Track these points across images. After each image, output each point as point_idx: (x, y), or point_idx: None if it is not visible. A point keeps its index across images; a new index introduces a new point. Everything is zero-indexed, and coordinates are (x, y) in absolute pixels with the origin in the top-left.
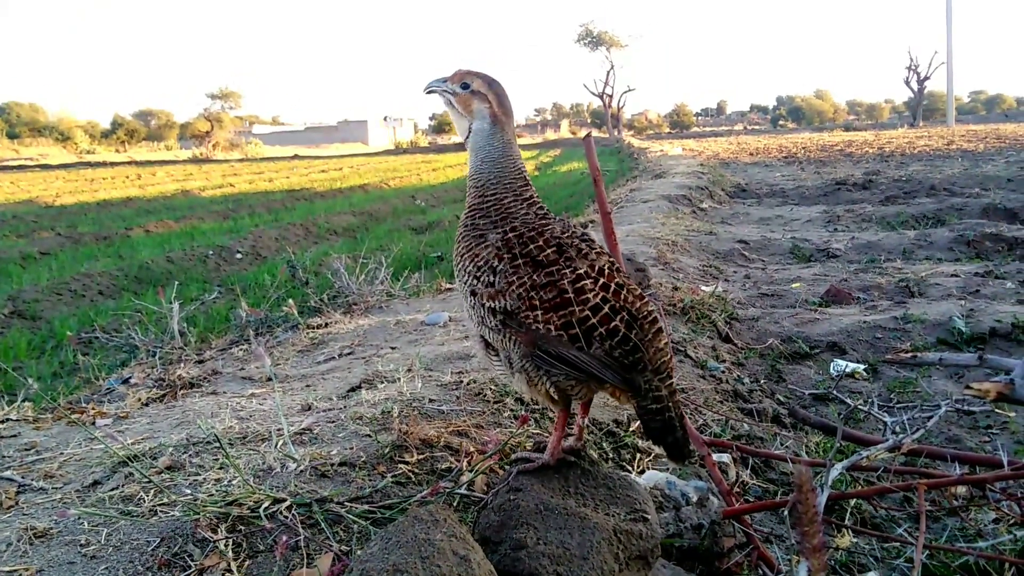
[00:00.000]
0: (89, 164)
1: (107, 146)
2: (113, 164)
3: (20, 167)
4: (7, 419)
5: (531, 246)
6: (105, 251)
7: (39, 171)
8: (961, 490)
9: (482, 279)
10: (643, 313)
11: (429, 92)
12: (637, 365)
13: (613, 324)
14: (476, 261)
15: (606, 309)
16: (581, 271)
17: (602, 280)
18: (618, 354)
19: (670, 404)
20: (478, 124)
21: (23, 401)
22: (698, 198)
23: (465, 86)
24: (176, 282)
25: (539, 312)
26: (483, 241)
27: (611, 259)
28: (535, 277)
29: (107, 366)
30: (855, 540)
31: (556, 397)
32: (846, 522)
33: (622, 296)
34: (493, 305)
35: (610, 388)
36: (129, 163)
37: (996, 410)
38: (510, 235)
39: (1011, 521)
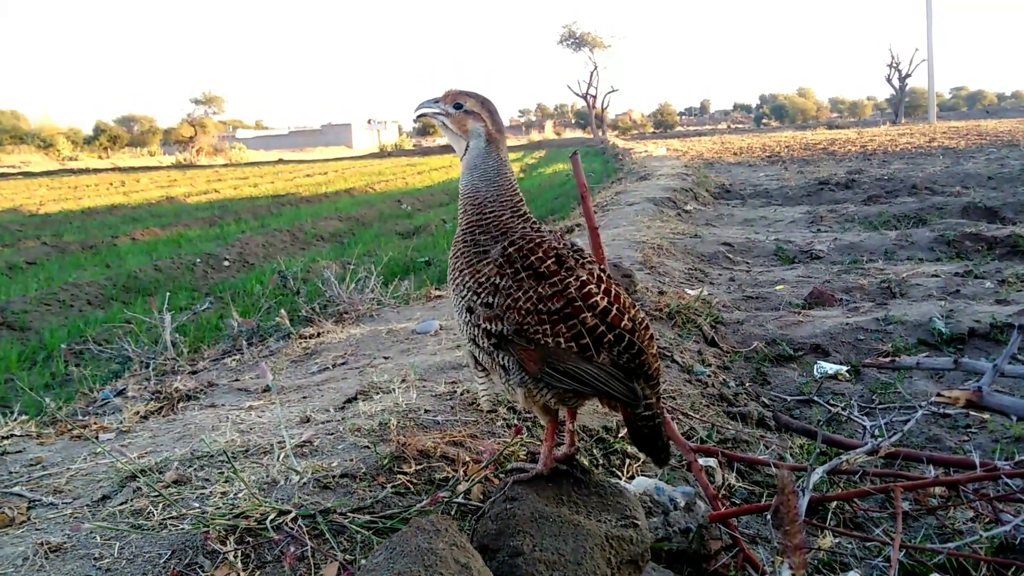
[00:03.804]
0: (72, 171)
1: (90, 152)
2: (96, 171)
3: (2, 175)
4: (11, 435)
5: (532, 258)
6: (92, 260)
7: (22, 179)
8: (938, 491)
9: (482, 298)
10: (639, 319)
11: (420, 114)
12: (640, 369)
13: (620, 329)
14: (477, 277)
15: (614, 311)
16: (584, 278)
17: (604, 286)
18: (624, 360)
19: (657, 411)
20: (474, 143)
21: (19, 415)
22: (683, 200)
23: (458, 106)
24: (166, 292)
25: (548, 326)
26: (485, 257)
27: (603, 268)
28: (540, 289)
29: (99, 377)
30: (836, 540)
31: (553, 407)
32: (828, 523)
33: (622, 301)
34: (489, 328)
35: (606, 399)
36: (112, 169)
37: (972, 412)
38: (510, 249)
39: (986, 520)
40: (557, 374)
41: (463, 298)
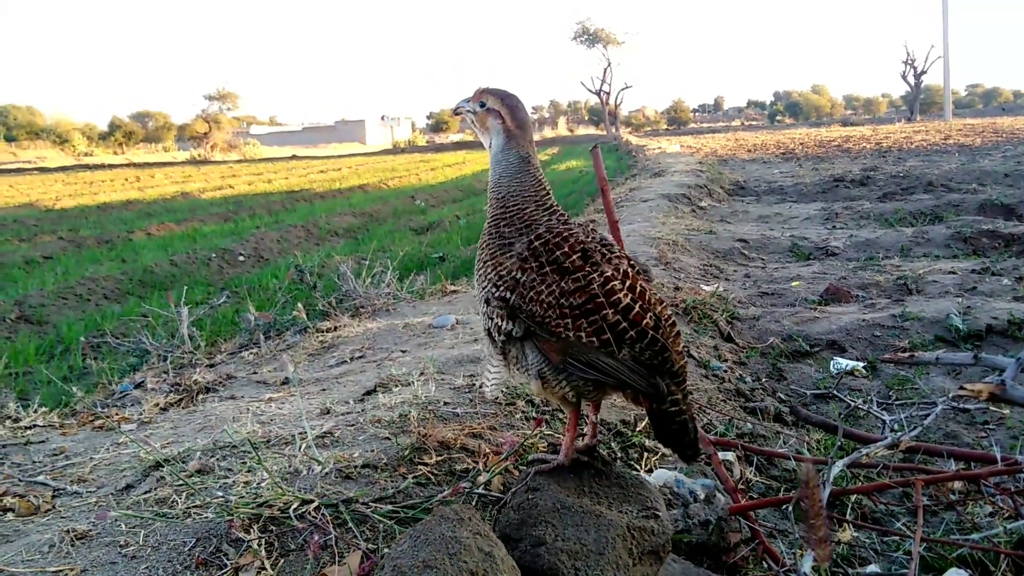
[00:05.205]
0: (87, 167)
1: (105, 148)
2: (111, 166)
3: (18, 170)
4: (34, 425)
5: (557, 252)
6: (108, 255)
7: (37, 174)
8: (957, 485)
9: (500, 291)
10: (664, 315)
11: (457, 113)
12: (663, 366)
13: (642, 327)
14: (498, 270)
15: (637, 308)
16: (608, 274)
17: (628, 282)
18: (646, 357)
19: (684, 407)
20: (495, 139)
21: (40, 406)
22: (697, 196)
23: (482, 104)
24: (182, 286)
25: (569, 320)
26: (509, 250)
27: (631, 262)
28: (563, 284)
29: (117, 370)
30: (856, 534)
31: (572, 399)
32: (847, 517)
33: (647, 298)
34: (500, 324)
35: (629, 392)
36: (127, 165)
37: (992, 407)
38: (536, 243)
39: (1006, 514)
40: (579, 364)
41: (483, 289)
